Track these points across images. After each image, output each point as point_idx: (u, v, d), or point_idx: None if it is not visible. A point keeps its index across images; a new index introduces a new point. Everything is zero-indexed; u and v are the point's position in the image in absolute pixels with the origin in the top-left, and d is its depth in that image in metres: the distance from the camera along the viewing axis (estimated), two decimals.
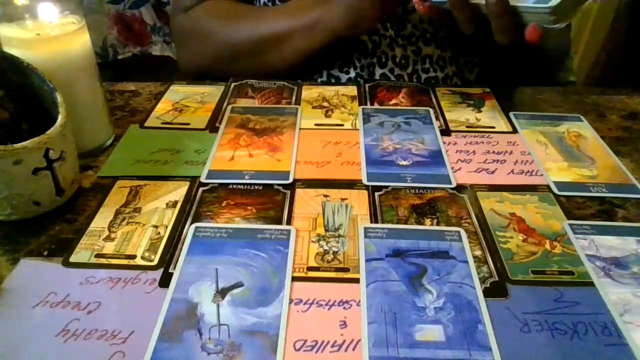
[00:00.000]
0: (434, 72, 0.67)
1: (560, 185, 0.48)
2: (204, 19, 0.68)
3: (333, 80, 0.67)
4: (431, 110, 0.59)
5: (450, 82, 0.68)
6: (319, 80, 0.68)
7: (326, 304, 0.36)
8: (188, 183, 0.47)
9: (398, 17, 0.65)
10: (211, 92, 0.63)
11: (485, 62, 0.69)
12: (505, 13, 0.48)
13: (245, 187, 0.47)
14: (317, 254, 0.40)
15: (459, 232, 0.41)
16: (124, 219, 0.43)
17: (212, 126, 0.56)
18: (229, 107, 0.59)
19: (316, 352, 0.32)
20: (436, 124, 0.57)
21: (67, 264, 0.38)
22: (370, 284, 0.37)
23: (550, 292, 0.37)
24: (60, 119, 0.41)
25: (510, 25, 0.49)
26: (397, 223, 0.43)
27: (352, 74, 0.67)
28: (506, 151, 0.52)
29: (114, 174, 0.48)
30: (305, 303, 0.36)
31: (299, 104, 0.60)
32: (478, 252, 0.40)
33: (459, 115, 0.59)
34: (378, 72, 0.67)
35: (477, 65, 0.69)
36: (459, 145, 0.53)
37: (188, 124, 0.56)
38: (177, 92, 0.63)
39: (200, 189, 0.46)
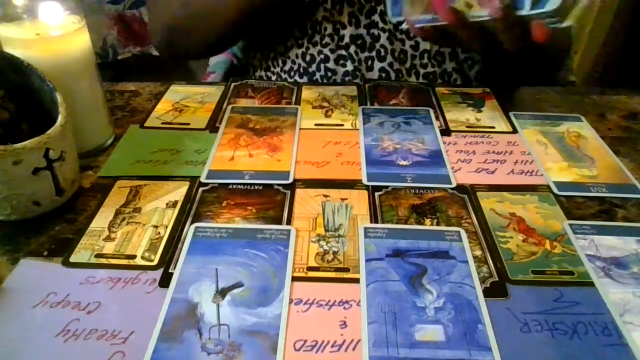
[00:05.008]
0: (432, 67, 0.67)
1: (560, 185, 0.48)
2: None
3: (329, 74, 0.67)
4: (431, 110, 0.59)
5: (449, 78, 0.68)
6: (317, 75, 0.67)
7: (326, 304, 0.36)
8: (188, 183, 0.47)
9: None
10: (211, 92, 0.63)
11: (487, 59, 0.69)
12: (511, 25, 0.47)
13: (245, 187, 0.47)
14: (317, 254, 0.40)
15: (459, 232, 0.41)
16: (124, 219, 0.43)
17: (212, 126, 0.56)
18: (229, 107, 0.59)
19: (316, 352, 0.32)
20: (436, 124, 0.57)
21: (67, 264, 0.38)
22: (370, 284, 0.37)
23: (550, 292, 0.37)
24: (60, 119, 0.41)
25: (517, 35, 0.48)
26: (397, 223, 0.43)
27: (350, 67, 0.66)
28: (506, 151, 0.52)
29: (114, 174, 0.48)
30: (305, 303, 0.36)
31: (299, 104, 0.60)
32: (478, 252, 0.40)
33: (459, 115, 0.59)
34: (377, 66, 0.67)
35: (478, 62, 0.69)
36: (459, 145, 0.53)
37: (188, 124, 0.56)
38: (177, 92, 0.63)
39: (200, 189, 0.46)
